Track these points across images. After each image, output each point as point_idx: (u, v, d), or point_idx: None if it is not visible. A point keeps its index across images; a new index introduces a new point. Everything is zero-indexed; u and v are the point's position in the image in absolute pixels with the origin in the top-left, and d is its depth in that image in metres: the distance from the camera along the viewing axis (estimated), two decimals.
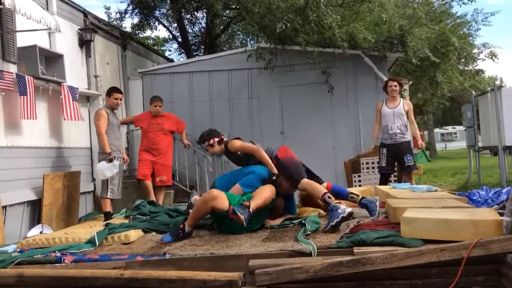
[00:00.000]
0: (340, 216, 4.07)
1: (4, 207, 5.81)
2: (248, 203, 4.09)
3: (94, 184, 8.15)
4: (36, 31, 6.73)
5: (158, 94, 7.98)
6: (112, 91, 6.72)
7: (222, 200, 4.18)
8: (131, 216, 5.69)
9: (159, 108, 7.36)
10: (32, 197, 6.39)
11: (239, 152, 4.99)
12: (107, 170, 6.18)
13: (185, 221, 4.31)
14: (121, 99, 6.76)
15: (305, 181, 4.63)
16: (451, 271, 3.17)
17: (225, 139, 5.15)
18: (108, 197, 6.30)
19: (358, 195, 4.70)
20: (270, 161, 4.76)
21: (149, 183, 7.17)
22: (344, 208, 4.15)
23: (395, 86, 6.72)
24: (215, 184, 5.07)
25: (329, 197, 4.30)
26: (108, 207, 6.28)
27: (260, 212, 4.34)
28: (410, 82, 13.96)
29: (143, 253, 3.92)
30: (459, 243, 3.18)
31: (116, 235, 4.44)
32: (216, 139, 5.06)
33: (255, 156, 4.84)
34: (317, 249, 3.52)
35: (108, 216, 6.07)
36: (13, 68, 6.41)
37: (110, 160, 6.18)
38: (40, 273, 3.62)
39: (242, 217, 3.92)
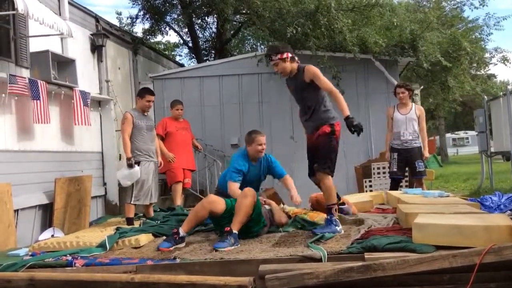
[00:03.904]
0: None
1: (16, 211, 5.86)
2: (229, 228, 4.10)
3: (105, 188, 8.19)
4: (48, 36, 6.79)
5: (168, 99, 8.06)
6: (144, 92, 6.20)
7: (218, 204, 4.30)
8: (141, 220, 5.73)
9: (181, 111, 7.43)
10: (44, 201, 6.43)
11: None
12: (126, 178, 5.92)
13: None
14: (153, 101, 6.29)
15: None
16: (463, 278, 3.14)
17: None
18: (131, 202, 5.84)
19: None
20: None
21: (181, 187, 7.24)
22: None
23: (402, 93, 6.63)
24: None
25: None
26: (131, 213, 5.85)
27: (253, 218, 4.35)
28: (422, 87, 13.89)
29: (154, 257, 3.93)
30: (472, 249, 3.15)
31: (127, 239, 4.47)
32: (290, 55, 4.46)
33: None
34: (328, 254, 3.51)
35: (130, 221, 5.73)
36: (25, 73, 6.47)
37: (130, 166, 5.77)
38: (51, 277, 3.65)
39: (227, 249, 3.91)
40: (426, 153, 6.60)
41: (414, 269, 3.13)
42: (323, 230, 4.14)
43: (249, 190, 4.32)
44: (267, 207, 4.70)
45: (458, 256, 3.11)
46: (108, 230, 5.14)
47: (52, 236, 5.63)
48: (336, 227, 4.19)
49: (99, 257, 4.07)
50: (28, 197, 6.19)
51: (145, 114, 6.15)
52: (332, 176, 4.35)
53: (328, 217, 4.29)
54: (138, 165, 5.84)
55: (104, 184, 8.20)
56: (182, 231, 4.24)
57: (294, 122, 9.46)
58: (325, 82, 4.36)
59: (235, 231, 4.10)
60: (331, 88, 4.34)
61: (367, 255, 3.40)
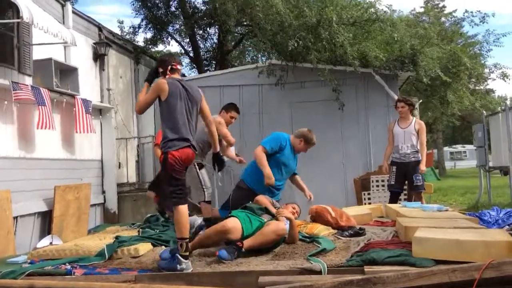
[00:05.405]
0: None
1: (15, 218, 5.86)
2: (241, 245, 4.04)
3: (104, 197, 8.19)
4: (52, 44, 6.83)
5: None
6: (231, 108, 6.25)
7: (235, 234, 4.17)
8: (140, 229, 5.71)
9: None
10: (43, 208, 6.43)
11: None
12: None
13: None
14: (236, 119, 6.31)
15: None
16: None
17: (179, 68, 4.26)
18: (207, 199, 5.72)
19: None
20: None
21: None
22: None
23: (402, 107, 6.69)
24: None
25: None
26: (209, 213, 5.65)
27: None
28: (420, 101, 13.95)
29: (153, 268, 3.92)
30: (471, 264, 3.16)
31: (126, 248, 4.45)
32: (161, 70, 4.21)
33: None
34: (327, 267, 3.51)
35: (209, 223, 5.35)
36: (28, 81, 6.51)
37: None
38: (50, 285, 3.65)
39: (228, 263, 3.86)
40: (423, 167, 6.56)
41: (413, 283, 3.13)
42: (162, 265, 3.87)
43: (282, 231, 4.21)
44: (286, 225, 4.40)
45: (457, 270, 3.12)
46: (107, 238, 5.13)
47: (51, 243, 5.61)
48: (177, 265, 3.75)
49: (98, 266, 4.06)
50: (28, 204, 6.19)
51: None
52: (181, 204, 3.90)
53: (166, 252, 3.99)
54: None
55: (103, 192, 8.21)
56: (188, 248, 4.07)
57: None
58: (145, 97, 4.17)
59: (244, 250, 4.04)
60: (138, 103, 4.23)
61: (366, 268, 3.40)
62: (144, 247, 4.59)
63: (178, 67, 4.23)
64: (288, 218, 4.39)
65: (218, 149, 4.65)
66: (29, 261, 4.40)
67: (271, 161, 5.22)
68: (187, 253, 3.83)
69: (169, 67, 4.16)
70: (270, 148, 5.25)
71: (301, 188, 5.73)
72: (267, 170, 5.12)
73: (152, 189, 4.88)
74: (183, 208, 3.89)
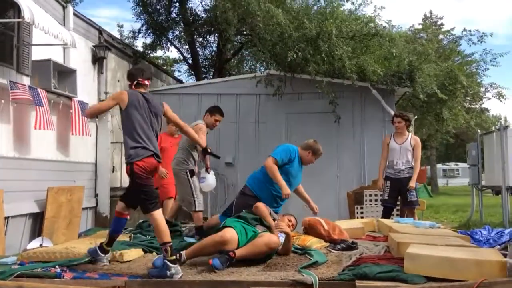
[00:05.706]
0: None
1: (6, 218, 5.81)
2: (233, 255, 4.03)
3: (96, 200, 8.14)
4: (51, 45, 6.82)
5: None
6: (215, 111, 6.17)
7: (232, 245, 4.17)
8: (131, 235, 5.69)
9: (174, 128, 7.37)
10: (35, 209, 6.38)
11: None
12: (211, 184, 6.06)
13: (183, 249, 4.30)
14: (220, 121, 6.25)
15: None
16: None
17: (146, 83, 4.35)
18: (197, 209, 5.65)
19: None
20: None
21: None
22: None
23: (399, 122, 6.70)
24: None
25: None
26: (201, 221, 5.65)
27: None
28: (416, 117, 14.03)
29: (143, 275, 3.89)
30: (463, 283, 3.17)
31: (117, 252, 4.43)
32: (129, 83, 4.29)
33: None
34: (319, 280, 3.50)
35: (201, 231, 5.50)
36: (26, 81, 6.48)
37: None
38: (40, 287, 3.61)
39: (219, 272, 3.86)
40: (412, 183, 6.54)
41: None
42: (153, 273, 3.83)
43: (274, 244, 4.22)
44: (282, 237, 4.42)
45: None
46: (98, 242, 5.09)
47: (41, 245, 5.56)
48: (167, 271, 3.74)
49: (88, 270, 4.04)
50: (20, 204, 6.14)
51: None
52: (154, 210, 3.97)
53: (160, 259, 3.93)
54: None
55: (96, 195, 8.16)
56: (184, 257, 4.13)
57: (290, 142, 9.50)
58: (101, 103, 4.30)
59: (235, 259, 4.03)
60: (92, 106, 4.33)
61: (358, 283, 3.40)
62: (135, 253, 4.57)
63: (146, 82, 4.33)
64: (285, 232, 4.39)
65: (204, 144, 5.24)
66: (18, 262, 4.36)
67: (280, 173, 5.23)
68: (174, 257, 3.83)
69: (135, 82, 4.26)
70: (280, 160, 5.28)
71: (305, 200, 5.74)
72: (282, 182, 5.16)
73: (123, 200, 4.57)
74: (158, 214, 3.98)
